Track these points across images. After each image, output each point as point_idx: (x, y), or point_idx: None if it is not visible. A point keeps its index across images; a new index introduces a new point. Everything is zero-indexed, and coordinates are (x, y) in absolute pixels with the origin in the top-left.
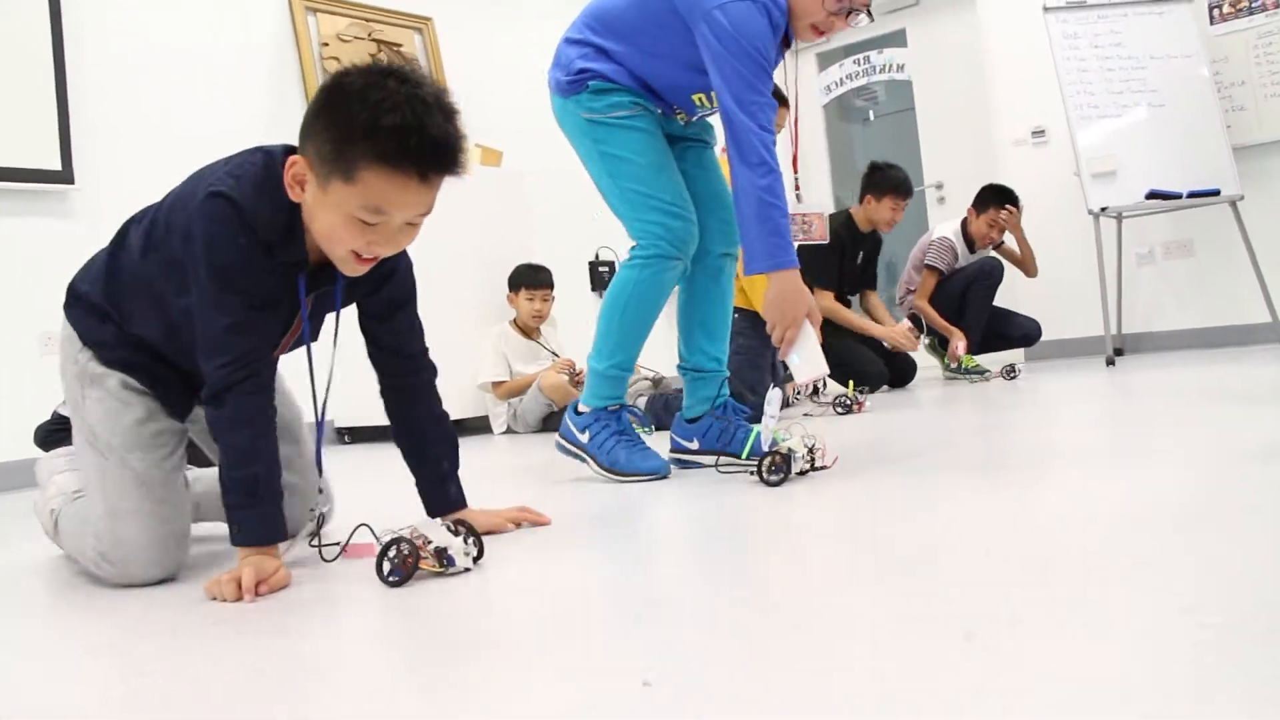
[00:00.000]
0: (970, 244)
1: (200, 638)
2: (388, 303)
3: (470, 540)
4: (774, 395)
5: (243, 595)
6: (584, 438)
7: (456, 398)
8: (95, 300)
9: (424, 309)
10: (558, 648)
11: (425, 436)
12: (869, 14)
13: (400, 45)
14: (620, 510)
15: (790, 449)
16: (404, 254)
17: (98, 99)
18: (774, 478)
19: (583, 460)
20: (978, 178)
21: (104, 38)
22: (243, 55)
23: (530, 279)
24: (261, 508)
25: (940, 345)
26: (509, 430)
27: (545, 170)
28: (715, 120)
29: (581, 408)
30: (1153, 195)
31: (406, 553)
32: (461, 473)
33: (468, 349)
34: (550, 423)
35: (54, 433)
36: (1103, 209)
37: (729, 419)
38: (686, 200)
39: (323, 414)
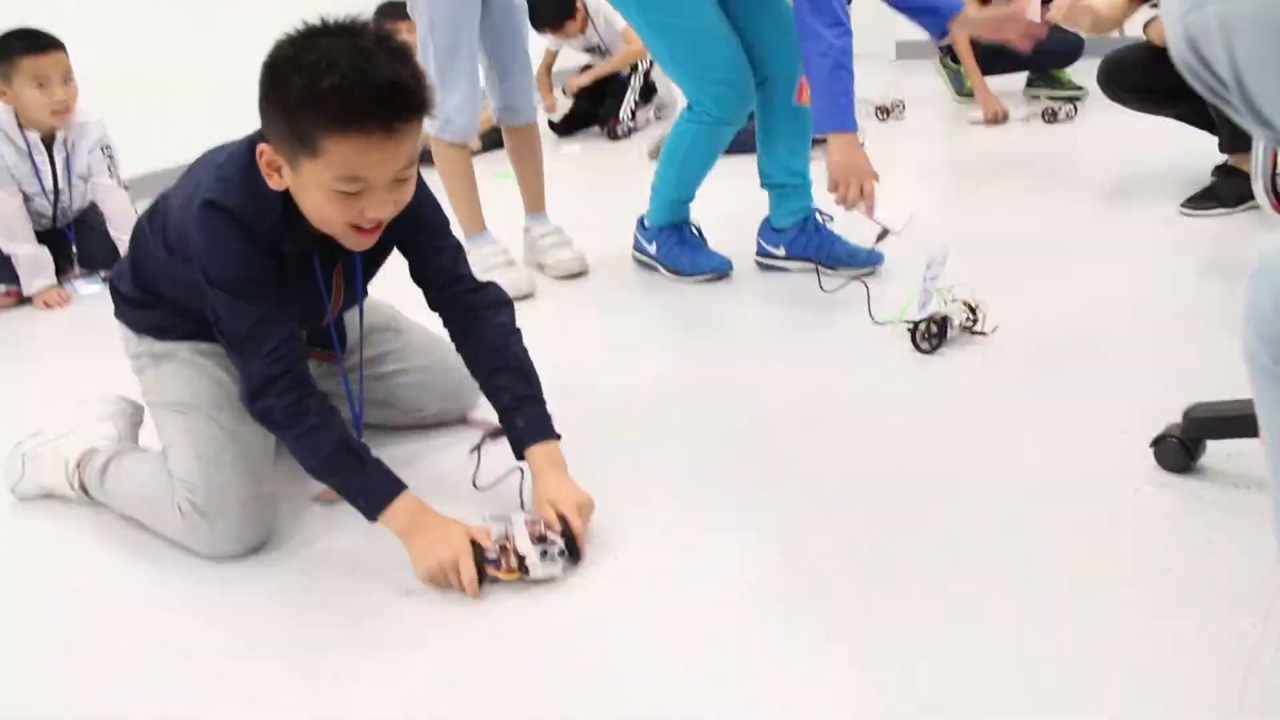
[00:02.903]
0: None
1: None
2: (410, 236)
3: (559, 553)
4: (937, 254)
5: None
6: (652, 249)
7: None
8: (131, 294)
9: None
10: None
11: (491, 365)
12: None
13: None
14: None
15: (947, 316)
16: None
17: None
18: (926, 346)
19: (654, 268)
20: None
21: None
22: None
23: None
24: (366, 468)
25: (953, 61)
26: None
27: None
28: None
29: (647, 223)
30: None
31: (478, 561)
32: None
33: None
34: None
35: None
36: None
37: (817, 233)
38: (739, 64)
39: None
